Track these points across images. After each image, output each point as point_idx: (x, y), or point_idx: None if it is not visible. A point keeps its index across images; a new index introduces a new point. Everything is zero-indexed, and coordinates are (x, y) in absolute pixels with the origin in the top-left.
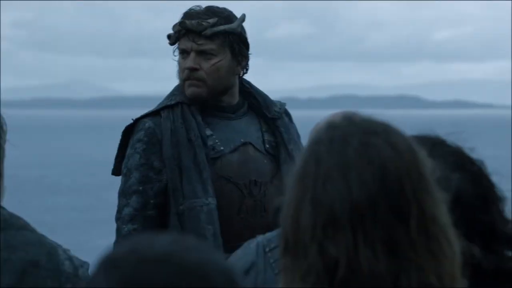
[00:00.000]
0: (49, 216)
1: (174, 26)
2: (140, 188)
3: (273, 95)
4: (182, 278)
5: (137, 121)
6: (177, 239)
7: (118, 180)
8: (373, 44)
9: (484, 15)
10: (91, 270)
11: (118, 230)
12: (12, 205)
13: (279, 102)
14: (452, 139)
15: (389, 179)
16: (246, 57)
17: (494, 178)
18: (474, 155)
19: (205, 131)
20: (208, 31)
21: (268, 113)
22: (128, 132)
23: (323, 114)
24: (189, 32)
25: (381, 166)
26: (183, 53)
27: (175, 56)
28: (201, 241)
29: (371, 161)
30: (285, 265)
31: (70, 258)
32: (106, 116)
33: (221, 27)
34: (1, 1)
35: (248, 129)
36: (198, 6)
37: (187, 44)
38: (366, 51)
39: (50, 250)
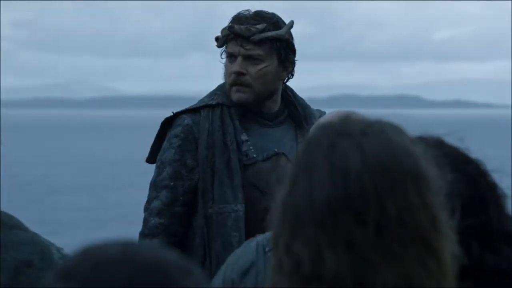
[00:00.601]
0: (49, 216)
1: (222, 30)
2: (171, 183)
3: None
4: (140, 275)
5: (176, 115)
6: (128, 241)
7: (118, 180)
8: (373, 44)
9: (484, 15)
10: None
11: (145, 221)
12: (12, 205)
13: (319, 111)
14: (452, 139)
15: (351, 182)
16: (292, 63)
17: (497, 176)
18: (474, 154)
19: (241, 136)
20: (257, 37)
21: (306, 125)
22: (167, 124)
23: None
24: (237, 37)
25: (343, 169)
26: (231, 57)
27: (222, 58)
28: (151, 242)
29: (334, 164)
30: (273, 263)
31: (64, 257)
32: (106, 116)
33: (269, 33)
34: (1, 1)
35: (283, 138)
36: (247, 10)
37: (234, 48)
38: (366, 51)
39: (43, 249)
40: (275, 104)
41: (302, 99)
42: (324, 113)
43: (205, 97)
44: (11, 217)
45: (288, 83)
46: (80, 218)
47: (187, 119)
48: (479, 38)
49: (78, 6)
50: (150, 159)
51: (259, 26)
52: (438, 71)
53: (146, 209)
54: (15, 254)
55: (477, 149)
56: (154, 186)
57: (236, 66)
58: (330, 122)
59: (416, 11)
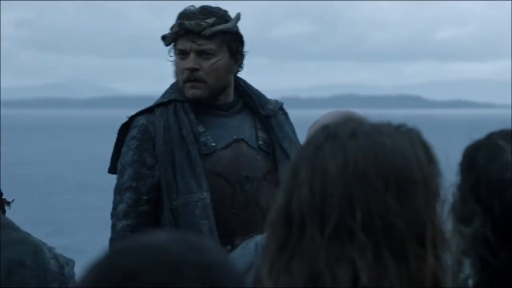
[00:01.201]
0: (50, 216)
1: (172, 27)
2: (133, 184)
3: (274, 95)
4: (143, 267)
5: (132, 119)
6: (174, 234)
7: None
8: (375, 43)
9: (485, 15)
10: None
11: (113, 226)
12: (12, 205)
13: (275, 101)
14: None
15: (327, 185)
16: (242, 56)
17: None
18: None
19: (198, 128)
20: (207, 31)
21: (262, 111)
22: (124, 130)
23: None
24: (188, 33)
25: (323, 172)
26: (182, 53)
27: (171, 56)
28: (203, 238)
29: (315, 167)
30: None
31: (56, 257)
32: (106, 115)
33: (219, 27)
34: (2, 0)
35: (241, 126)
36: (192, 6)
37: (186, 44)
38: (367, 51)
39: (35, 249)
40: (229, 97)
41: (255, 89)
42: (280, 103)
43: (159, 97)
44: (3, 217)
45: (289, 83)
46: (81, 218)
47: (142, 120)
48: (479, 38)
49: (78, 6)
50: (113, 169)
51: (209, 21)
52: (438, 71)
53: (112, 215)
54: (8, 254)
55: None
56: (118, 190)
57: (189, 62)
58: (329, 123)
59: (417, 11)
